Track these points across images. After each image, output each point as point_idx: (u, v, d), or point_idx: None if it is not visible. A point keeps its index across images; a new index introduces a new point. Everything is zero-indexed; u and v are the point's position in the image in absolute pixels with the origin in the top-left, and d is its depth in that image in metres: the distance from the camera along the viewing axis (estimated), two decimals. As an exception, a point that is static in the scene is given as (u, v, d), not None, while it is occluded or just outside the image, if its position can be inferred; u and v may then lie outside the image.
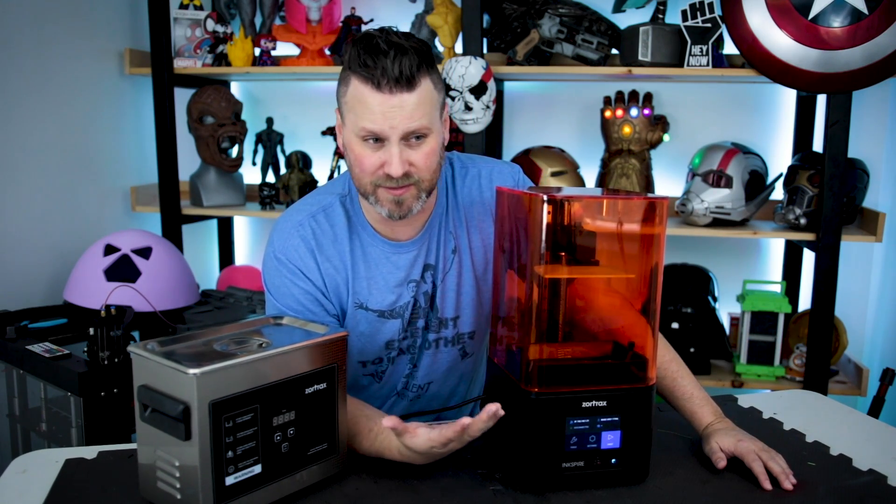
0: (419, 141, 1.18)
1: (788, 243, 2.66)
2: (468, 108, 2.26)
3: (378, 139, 1.17)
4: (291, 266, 1.28)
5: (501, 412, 1.05)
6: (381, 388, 1.41)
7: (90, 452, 1.25)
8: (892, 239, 2.50)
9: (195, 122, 2.64)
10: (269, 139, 2.82)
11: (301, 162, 2.72)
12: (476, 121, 2.29)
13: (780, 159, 2.63)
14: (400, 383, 1.41)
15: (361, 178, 1.21)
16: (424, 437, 1.07)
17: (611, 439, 1.14)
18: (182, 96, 2.69)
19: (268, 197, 2.66)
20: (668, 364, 1.32)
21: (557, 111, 2.78)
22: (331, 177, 2.73)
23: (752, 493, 1.14)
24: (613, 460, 1.15)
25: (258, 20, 2.73)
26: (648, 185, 2.53)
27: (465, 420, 1.04)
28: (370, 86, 1.14)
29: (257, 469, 1.04)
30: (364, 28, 2.60)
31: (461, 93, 2.23)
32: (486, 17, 2.50)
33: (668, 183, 2.69)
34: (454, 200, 1.35)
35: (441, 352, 1.39)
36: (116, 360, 1.83)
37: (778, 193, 2.48)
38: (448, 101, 1.25)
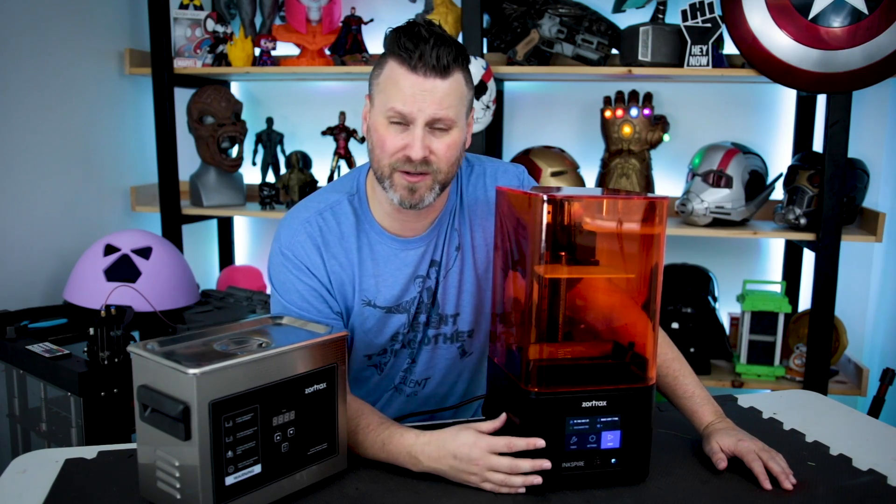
0: (442, 131, 1.20)
1: (788, 243, 2.66)
2: (468, 108, 2.26)
3: (403, 122, 1.18)
4: (297, 262, 1.29)
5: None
6: (380, 382, 1.42)
7: (90, 452, 1.25)
8: (892, 239, 2.50)
9: (195, 122, 2.64)
10: (269, 139, 2.82)
11: (301, 162, 2.72)
12: (476, 121, 2.29)
13: (780, 159, 2.63)
14: (398, 377, 1.42)
15: (381, 159, 1.22)
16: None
17: (611, 439, 1.14)
18: (182, 96, 2.69)
19: (268, 197, 2.66)
20: (670, 362, 1.32)
21: (557, 111, 2.77)
22: (331, 177, 2.73)
23: (751, 493, 1.14)
24: (613, 460, 1.15)
25: (258, 20, 2.73)
26: (648, 185, 2.52)
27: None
28: (406, 67, 1.16)
29: (257, 469, 1.04)
30: (364, 28, 2.60)
31: (461, 93, 2.23)
32: (486, 17, 2.50)
33: (668, 183, 2.69)
34: (461, 199, 1.36)
35: (440, 348, 1.39)
36: (116, 360, 1.83)
37: (778, 193, 2.48)
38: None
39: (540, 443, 1.10)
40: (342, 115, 2.70)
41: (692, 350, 2.45)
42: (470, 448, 1.12)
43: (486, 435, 1.13)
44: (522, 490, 1.12)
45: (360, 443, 1.20)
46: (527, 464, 1.11)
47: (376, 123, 1.22)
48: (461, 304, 1.37)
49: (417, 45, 1.15)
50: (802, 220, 2.31)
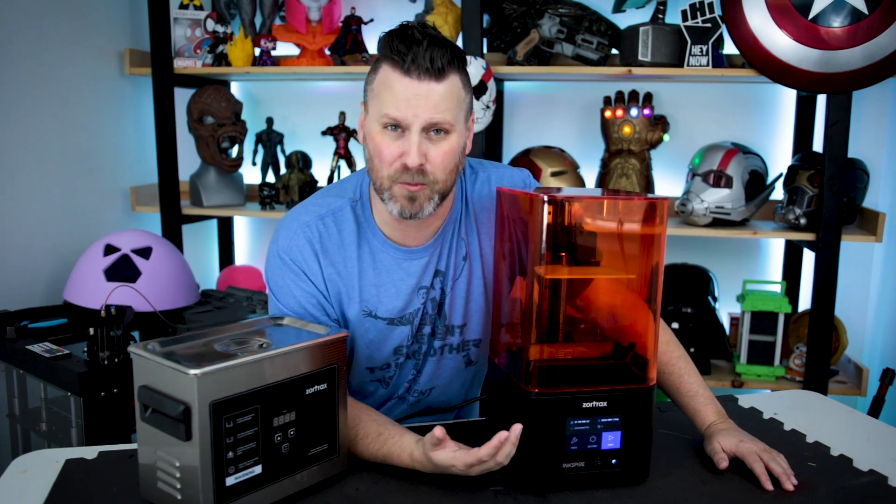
0: (439, 136, 1.16)
1: (788, 243, 2.66)
2: (468, 108, 2.26)
3: (399, 127, 1.15)
4: (295, 267, 1.27)
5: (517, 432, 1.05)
6: (385, 393, 1.41)
7: (90, 452, 1.25)
8: (892, 239, 2.50)
9: (195, 122, 2.64)
10: (269, 139, 2.82)
11: (301, 162, 2.72)
12: (476, 121, 2.29)
13: (780, 159, 2.63)
14: (402, 388, 1.40)
15: (380, 169, 1.19)
16: (450, 453, 1.07)
17: (611, 440, 1.14)
18: (182, 96, 2.69)
19: (268, 197, 2.66)
20: (675, 360, 1.31)
21: (557, 111, 2.77)
22: (331, 177, 2.73)
23: (752, 494, 1.14)
24: (614, 461, 1.15)
25: (258, 20, 2.73)
26: (648, 185, 2.52)
27: (503, 434, 1.03)
28: (399, 71, 1.13)
29: (258, 469, 1.04)
30: (364, 28, 2.60)
31: (461, 93, 2.23)
32: (486, 17, 2.50)
33: (668, 183, 2.69)
34: (466, 206, 1.33)
35: (445, 359, 1.37)
36: (116, 360, 1.83)
37: (778, 193, 2.48)
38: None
39: (502, 435, 1.05)
40: (342, 115, 2.70)
41: (692, 350, 2.45)
42: (429, 464, 1.11)
43: (460, 457, 1.08)
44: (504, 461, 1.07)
45: (359, 453, 1.20)
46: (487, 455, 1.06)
47: (372, 131, 1.19)
48: (469, 313, 1.34)
49: (410, 47, 1.12)
50: (802, 220, 2.31)
